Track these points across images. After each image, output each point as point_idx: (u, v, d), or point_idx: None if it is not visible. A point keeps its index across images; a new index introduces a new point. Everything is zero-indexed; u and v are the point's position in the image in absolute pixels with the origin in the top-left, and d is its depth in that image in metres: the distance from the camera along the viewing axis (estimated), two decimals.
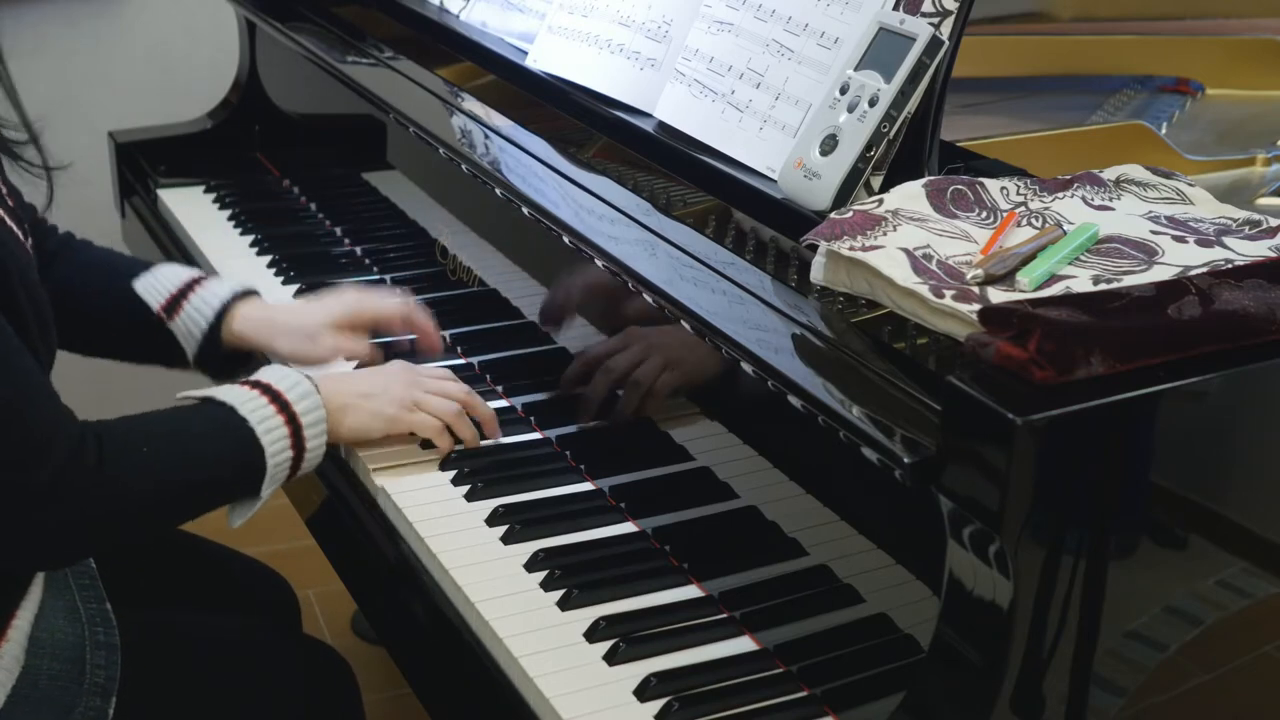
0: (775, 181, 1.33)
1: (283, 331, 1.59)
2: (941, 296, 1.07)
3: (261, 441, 1.32)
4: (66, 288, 1.56)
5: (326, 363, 1.60)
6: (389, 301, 1.63)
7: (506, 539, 1.36)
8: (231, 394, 1.35)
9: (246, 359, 1.63)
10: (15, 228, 1.33)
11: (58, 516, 1.22)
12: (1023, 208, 1.22)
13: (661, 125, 1.49)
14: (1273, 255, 1.13)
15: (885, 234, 1.15)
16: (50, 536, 1.24)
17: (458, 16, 1.93)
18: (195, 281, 1.60)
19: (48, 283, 1.37)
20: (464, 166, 1.59)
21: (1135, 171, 1.29)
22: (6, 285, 1.26)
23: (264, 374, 1.38)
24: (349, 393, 1.42)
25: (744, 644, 1.24)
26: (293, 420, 1.35)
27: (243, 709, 1.43)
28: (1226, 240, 1.16)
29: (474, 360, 1.69)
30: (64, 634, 1.35)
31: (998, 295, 1.08)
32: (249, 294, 1.62)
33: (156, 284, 1.59)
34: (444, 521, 1.39)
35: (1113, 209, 1.23)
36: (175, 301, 1.59)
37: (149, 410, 1.33)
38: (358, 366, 1.60)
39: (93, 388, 1.71)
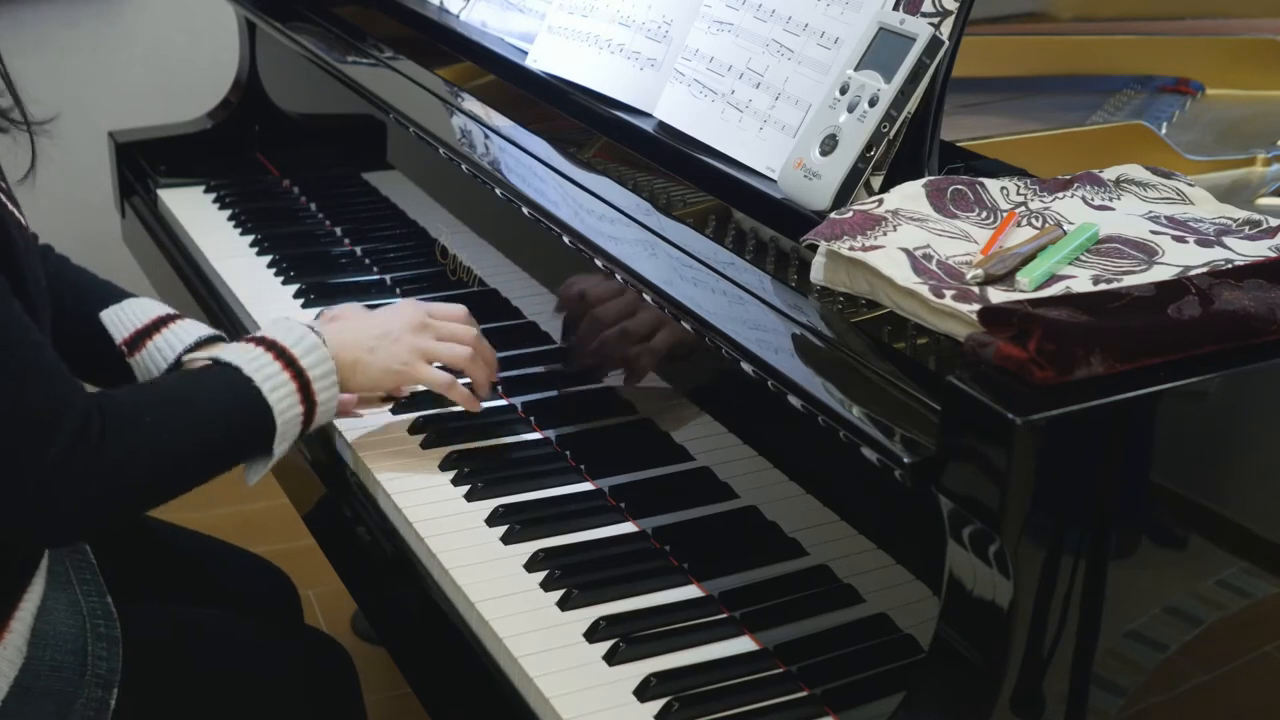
0: (775, 181, 1.33)
1: None
2: (941, 296, 1.07)
3: (269, 400, 1.32)
4: None
5: None
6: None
7: (506, 539, 1.37)
8: (236, 353, 1.34)
9: None
10: (16, 211, 1.33)
11: (64, 491, 1.22)
12: (1023, 208, 1.22)
13: (661, 125, 1.49)
14: (1273, 255, 1.13)
15: (885, 234, 1.15)
16: (58, 511, 1.24)
17: (458, 16, 1.93)
18: (164, 321, 1.54)
19: None
20: (464, 166, 1.59)
21: (1135, 171, 1.29)
22: (14, 264, 1.26)
23: (270, 329, 1.37)
24: (357, 345, 1.41)
25: (744, 644, 1.24)
26: (300, 375, 1.34)
27: (244, 698, 1.43)
28: (1226, 240, 1.16)
29: None
30: (65, 626, 1.35)
31: (998, 295, 1.08)
32: (214, 340, 1.54)
33: (123, 317, 1.55)
34: (444, 521, 1.39)
35: (1113, 209, 1.23)
36: (139, 338, 1.54)
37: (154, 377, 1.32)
38: None
39: None
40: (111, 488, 1.25)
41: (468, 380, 1.51)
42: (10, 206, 1.31)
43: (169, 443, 1.28)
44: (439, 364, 1.49)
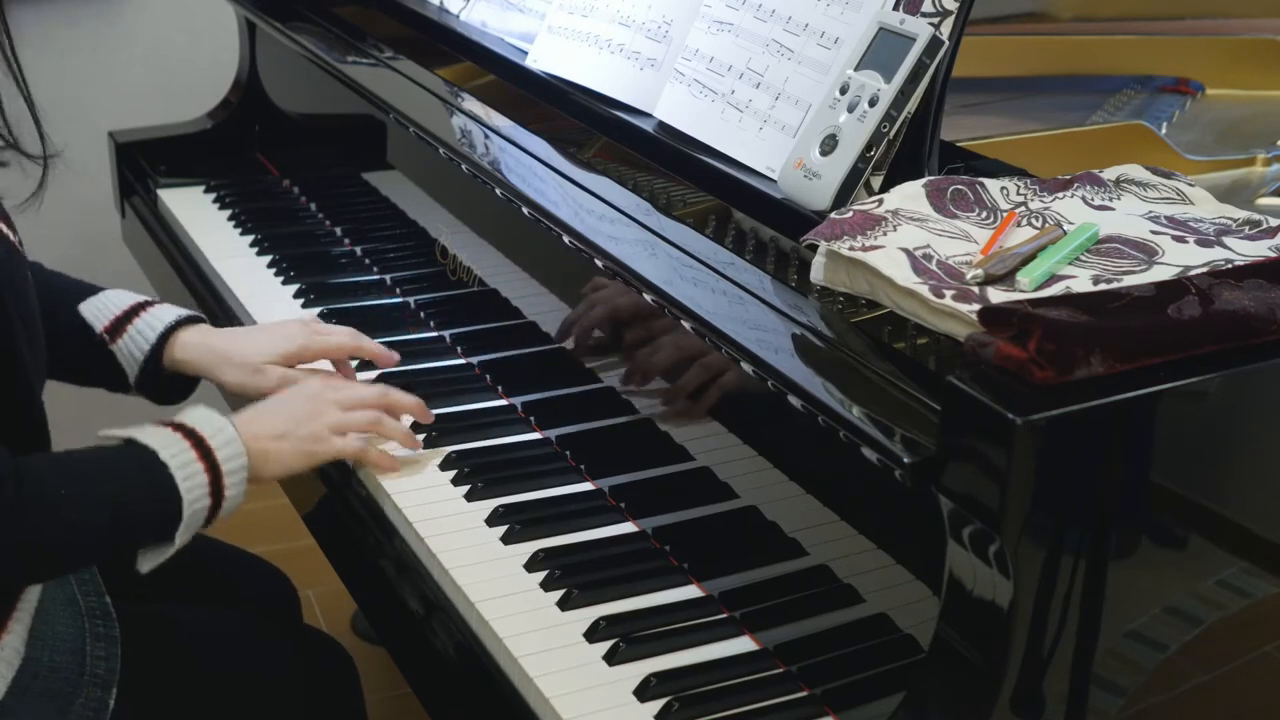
0: (775, 181, 1.33)
1: (226, 362, 1.56)
2: (941, 296, 1.07)
3: (180, 489, 1.29)
4: None
5: (272, 394, 1.55)
6: (334, 340, 1.59)
7: (506, 539, 1.37)
8: (155, 437, 1.31)
9: (187, 385, 1.61)
10: (7, 230, 1.33)
11: None
12: (1023, 208, 1.22)
13: (661, 125, 1.49)
14: (1273, 255, 1.13)
15: (885, 234, 1.15)
16: None
17: (458, 16, 1.93)
18: (142, 305, 1.58)
19: None
20: (464, 166, 1.59)
21: (1135, 171, 1.29)
22: None
23: (190, 416, 1.35)
24: (265, 435, 1.39)
25: (744, 644, 1.24)
26: (214, 468, 1.31)
27: (243, 698, 1.43)
28: (1226, 240, 1.16)
29: (474, 360, 1.69)
30: (64, 626, 1.35)
31: (998, 295, 1.08)
32: (194, 320, 1.59)
33: (102, 306, 1.57)
34: (444, 521, 1.39)
35: (1113, 209, 1.23)
36: (119, 324, 1.56)
37: (71, 449, 1.30)
38: None
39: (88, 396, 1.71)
40: (14, 553, 1.24)
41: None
42: (1, 225, 1.31)
43: (78, 518, 1.25)
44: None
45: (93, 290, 1.60)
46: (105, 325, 1.56)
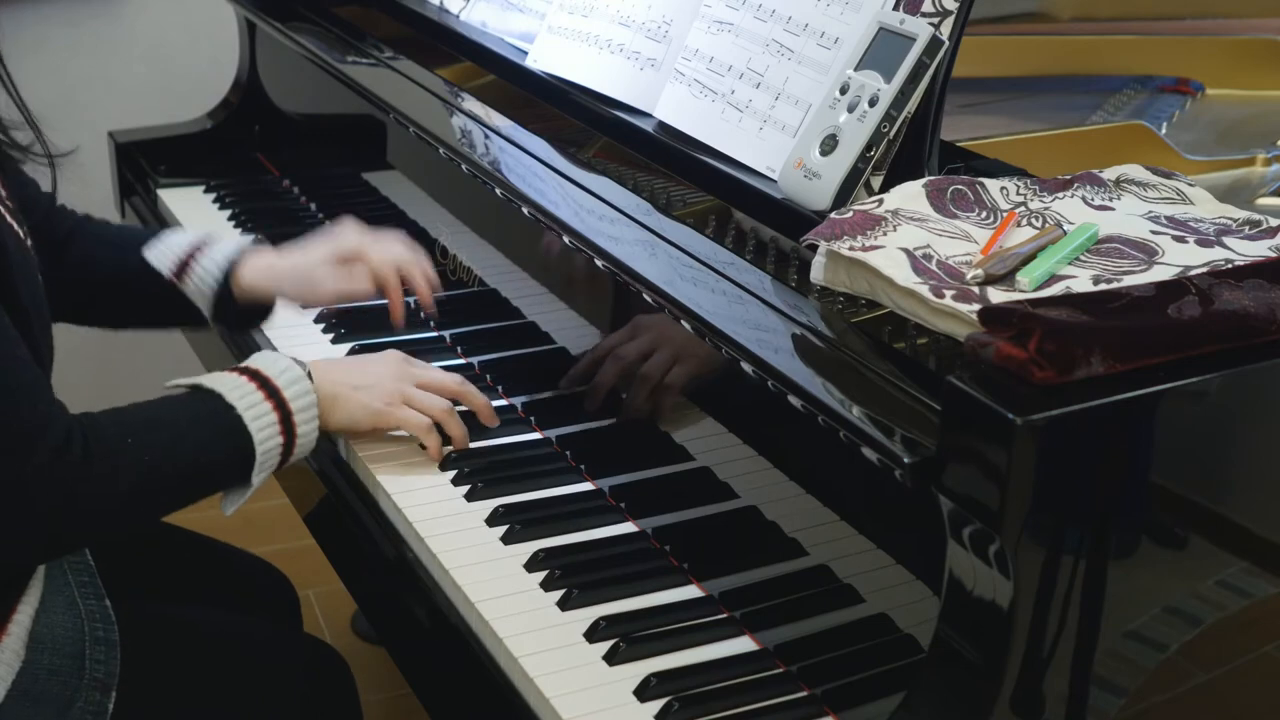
0: (775, 181, 1.33)
1: (285, 277, 1.62)
2: (941, 296, 1.07)
3: (250, 429, 1.31)
4: (85, 263, 1.61)
5: (330, 304, 1.64)
6: (387, 256, 1.62)
7: (506, 539, 1.37)
8: (220, 381, 1.34)
9: (263, 310, 1.66)
10: (16, 226, 1.33)
11: (43, 508, 1.22)
12: (1023, 208, 1.22)
13: (661, 125, 1.49)
14: (1273, 255, 1.13)
15: (885, 234, 1.15)
16: (36, 528, 1.24)
17: (458, 16, 1.93)
18: (202, 243, 1.63)
19: (67, 262, 1.36)
20: (464, 166, 1.59)
21: (1135, 171, 1.29)
22: (8, 280, 1.27)
23: (255, 360, 1.37)
24: (341, 382, 1.41)
25: (744, 644, 1.24)
26: (282, 406, 1.33)
27: (241, 703, 1.43)
28: (1226, 240, 1.16)
29: (474, 360, 1.69)
30: (63, 629, 1.35)
31: (998, 295, 1.08)
32: (251, 249, 1.64)
33: (165, 250, 1.63)
34: (444, 521, 1.39)
35: (1113, 209, 1.23)
36: (184, 265, 1.62)
37: (139, 400, 1.33)
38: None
39: (95, 375, 1.72)
40: (90, 505, 1.25)
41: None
42: (10, 220, 1.32)
43: (148, 464, 1.27)
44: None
45: (151, 234, 1.65)
46: (171, 269, 1.62)
